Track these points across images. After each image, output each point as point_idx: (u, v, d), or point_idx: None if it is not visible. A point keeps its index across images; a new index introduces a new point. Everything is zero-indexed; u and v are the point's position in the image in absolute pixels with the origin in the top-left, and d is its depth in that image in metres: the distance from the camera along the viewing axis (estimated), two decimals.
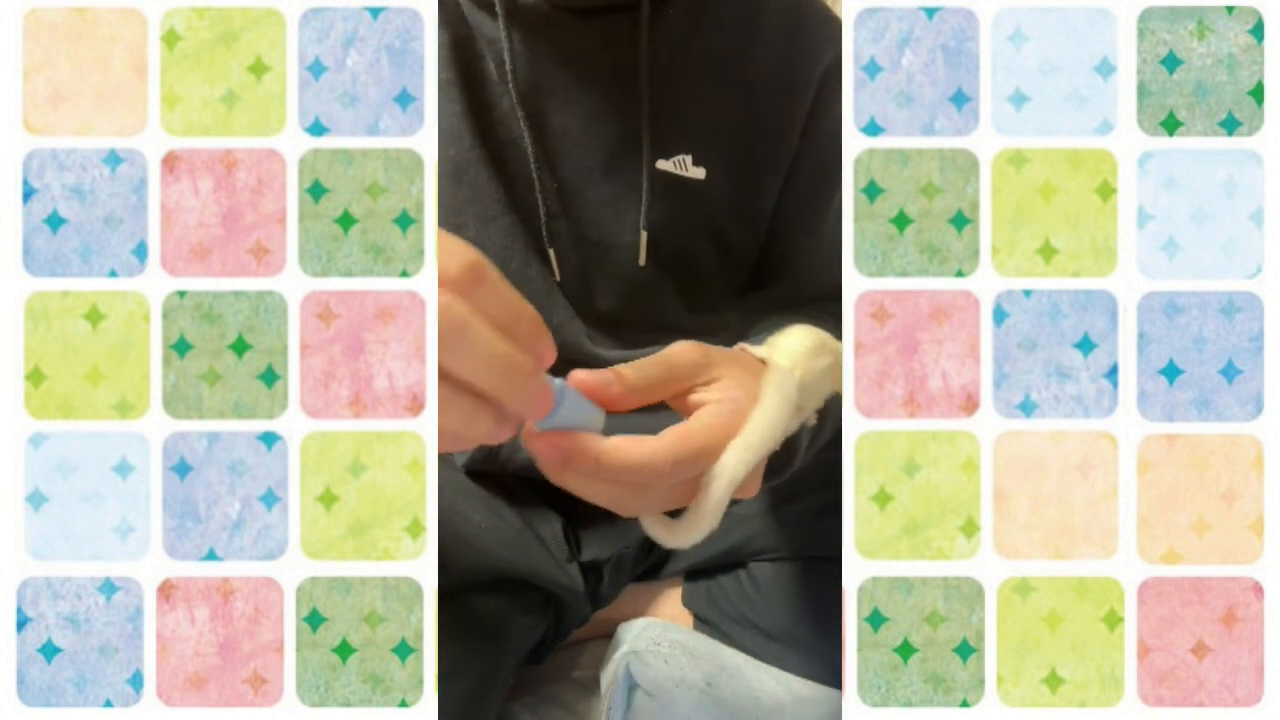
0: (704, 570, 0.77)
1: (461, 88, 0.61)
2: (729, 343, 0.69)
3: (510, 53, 0.61)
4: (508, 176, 0.63)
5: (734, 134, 0.66)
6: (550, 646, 0.73)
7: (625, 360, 0.69)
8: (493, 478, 0.69)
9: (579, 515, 0.74)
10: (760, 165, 0.68)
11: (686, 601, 0.77)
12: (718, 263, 0.70)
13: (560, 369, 0.70)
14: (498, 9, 0.60)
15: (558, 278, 0.65)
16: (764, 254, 0.71)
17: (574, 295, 0.67)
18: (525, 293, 0.66)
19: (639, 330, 0.69)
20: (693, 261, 0.68)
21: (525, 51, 0.62)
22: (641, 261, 0.66)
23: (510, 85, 0.61)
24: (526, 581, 0.68)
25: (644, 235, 0.65)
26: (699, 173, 0.65)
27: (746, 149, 0.67)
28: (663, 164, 0.65)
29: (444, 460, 0.70)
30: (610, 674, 0.68)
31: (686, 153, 0.65)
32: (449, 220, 0.63)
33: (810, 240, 0.72)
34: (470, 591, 0.63)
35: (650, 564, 0.79)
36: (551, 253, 0.64)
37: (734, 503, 0.76)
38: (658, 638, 0.71)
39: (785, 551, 0.73)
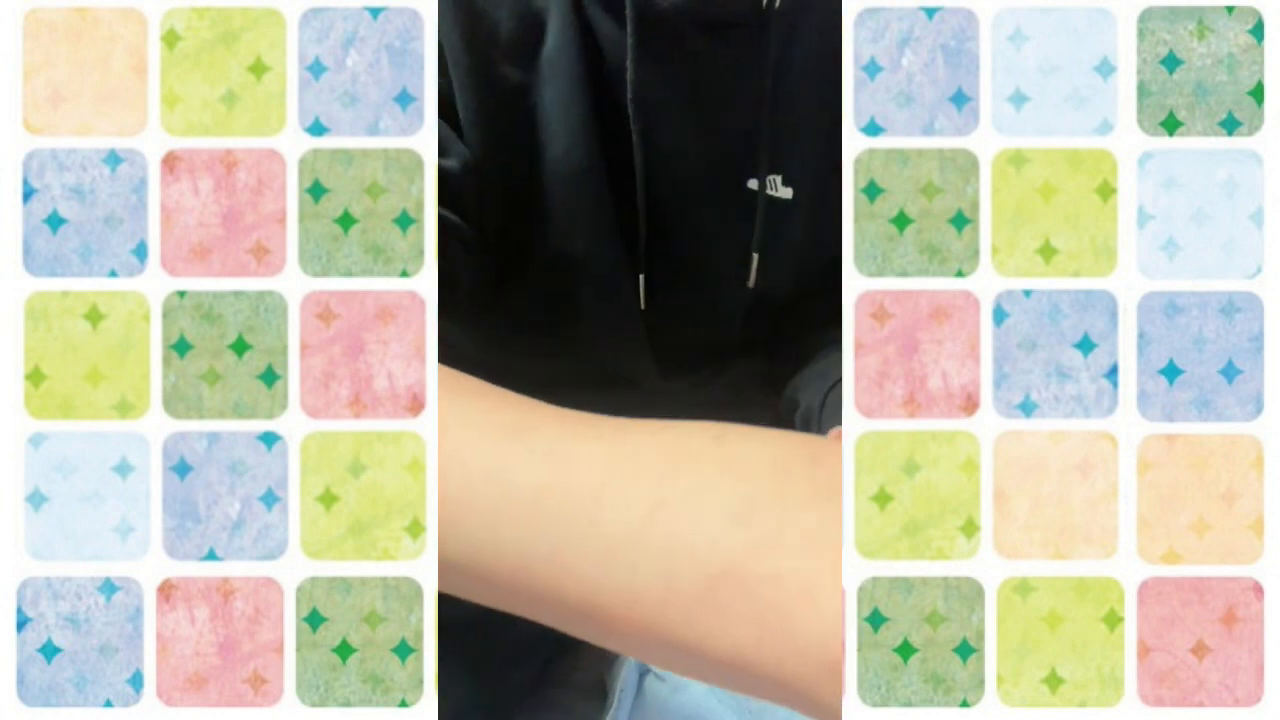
0: None
1: (586, 90, 0.58)
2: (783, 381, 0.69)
3: (633, 60, 0.56)
4: (618, 192, 0.60)
5: (824, 148, 0.63)
6: (554, 663, 0.73)
7: (691, 391, 0.69)
8: None
9: None
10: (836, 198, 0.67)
11: None
12: (790, 279, 0.67)
13: (623, 397, 0.69)
14: (628, 12, 0.56)
15: (643, 305, 0.63)
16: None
17: (659, 320, 0.64)
18: (610, 313, 0.64)
19: (711, 358, 0.68)
20: (777, 288, 0.66)
21: (646, 60, 0.57)
22: (751, 282, 0.63)
23: (629, 96, 0.57)
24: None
25: (755, 257, 0.62)
26: (786, 193, 0.63)
27: (837, 168, 0.64)
28: (751, 183, 0.62)
29: None
30: (619, 662, 0.68)
31: (777, 172, 0.62)
32: (565, 231, 0.59)
33: None
34: (476, 625, 0.62)
35: None
36: (641, 279, 0.62)
37: None
38: None
39: None
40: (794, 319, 0.70)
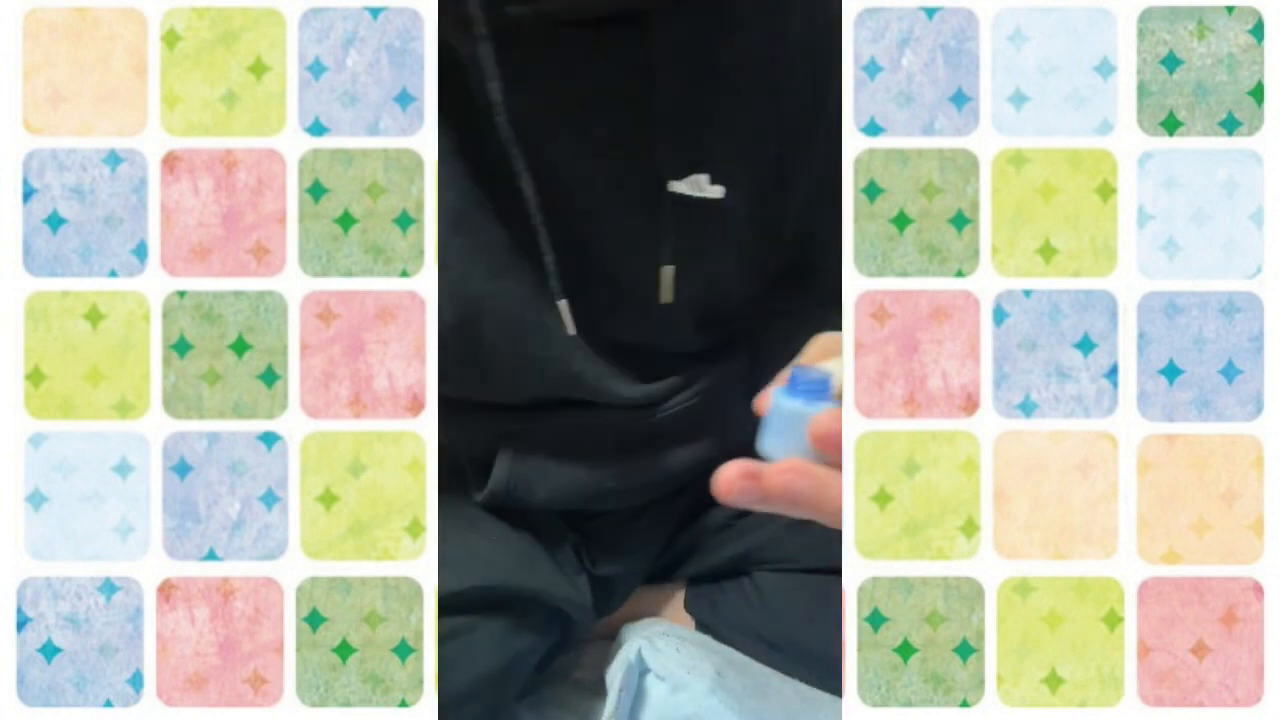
0: (708, 576, 0.77)
1: (450, 123, 0.51)
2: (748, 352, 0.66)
3: (498, 76, 0.51)
4: (516, 219, 0.55)
5: (761, 150, 0.60)
6: (554, 659, 0.73)
7: (650, 399, 0.67)
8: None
9: (587, 533, 0.73)
10: (789, 181, 0.62)
11: (689, 607, 0.77)
12: (741, 283, 0.65)
13: (605, 414, 0.65)
14: (478, 26, 0.50)
15: (571, 330, 0.59)
16: (800, 249, 0.67)
17: (595, 336, 0.62)
18: (544, 343, 0.61)
19: (664, 362, 0.66)
20: (716, 287, 0.63)
21: (514, 74, 0.52)
22: (666, 298, 0.60)
23: (500, 115, 0.52)
24: (533, 600, 0.66)
25: (669, 270, 0.59)
26: (716, 191, 0.58)
27: (774, 166, 0.61)
28: (676, 186, 0.58)
29: (458, 490, 0.69)
30: (620, 662, 0.68)
31: (702, 171, 0.58)
32: (452, 274, 0.55)
33: (831, 240, 0.67)
34: (476, 613, 0.62)
35: (657, 570, 0.78)
36: (564, 305, 0.58)
37: (740, 514, 0.75)
38: (666, 630, 0.71)
39: (791, 562, 0.73)
40: (764, 316, 0.67)
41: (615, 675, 0.67)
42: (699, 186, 0.58)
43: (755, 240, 0.62)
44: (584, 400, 0.65)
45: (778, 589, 0.73)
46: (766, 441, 0.38)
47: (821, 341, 0.42)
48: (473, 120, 0.53)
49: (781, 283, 0.68)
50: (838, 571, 0.70)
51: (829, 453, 0.36)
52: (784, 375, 0.39)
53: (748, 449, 0.38)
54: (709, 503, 0.71)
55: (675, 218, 0.58)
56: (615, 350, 0.63)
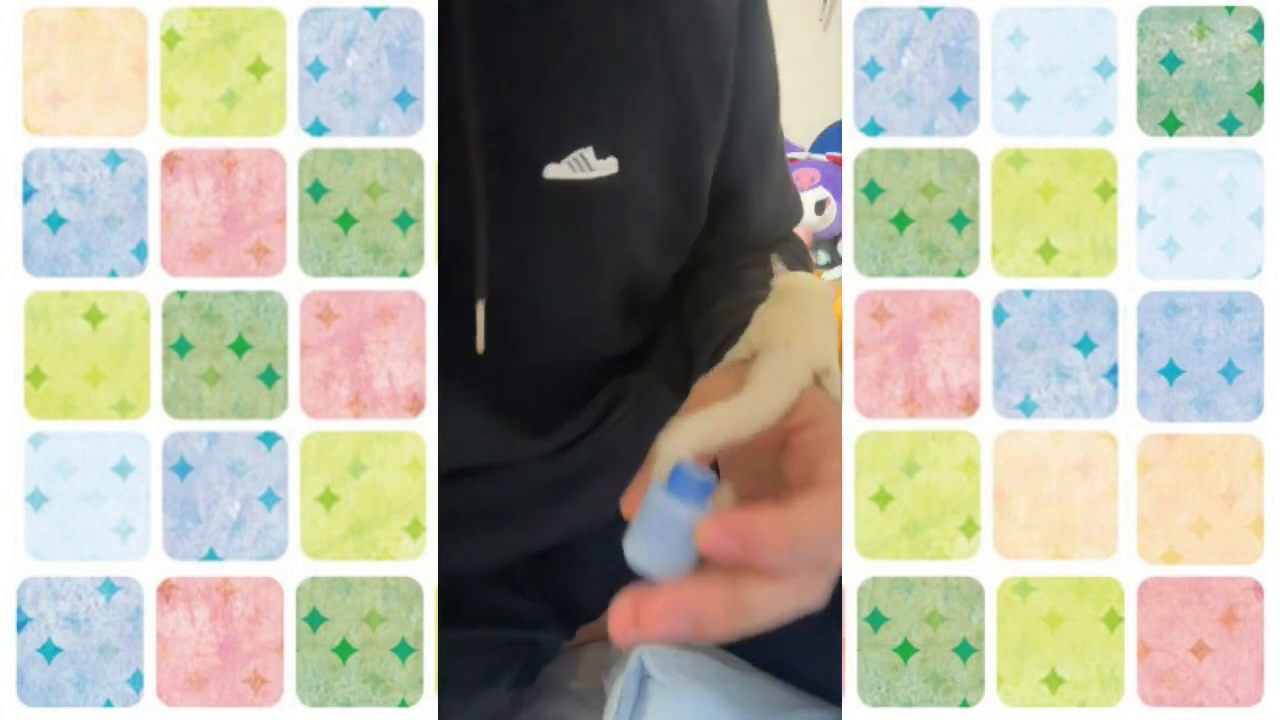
0: None
1: None
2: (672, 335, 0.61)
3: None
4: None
5: (653, 108, 0.52)
6: (529, 680, 0.71)
7: (555, 448, 0.58)
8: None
9: (548, 567, 0.69)
10: (699, 148, 0.55)
11: None
12: (660, 259, 0.58)
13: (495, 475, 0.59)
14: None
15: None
16: (711, 211, 0.60)
17: (508, 363, 0.52)
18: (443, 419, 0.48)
19: (551, 405, 0.58)
20: (636, 268, 0.56)
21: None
22: (480, 344, 0.49)
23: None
24: (493, 639, 0.64)
25: (481, 307, 0.48)
26: (609, 166, 0.50)
27: (679, 138, 0.54)
28: (553, 170, 0.49)
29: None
30: (620, 668, 0.68)
31: (585, 145, 0.49)
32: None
33: (761, 185, 0.61)
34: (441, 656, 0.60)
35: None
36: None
37: None
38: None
39: None
40: (642, 303, 0.59)
41: (615, 681, 0.66)
42: (583, 165, 0.50)
43: (672, 210, 0.55)
44: (500, 464, 0.59)
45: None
46: (641, 549, 0.33)
47: (701, 391, 0.39)
48: None
49: (705, 243, 0.61)
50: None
51: (722, 559, 0.31)
52: (650, 469, 0.34)
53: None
54: None
55: (558, 204, 0.50)
56: (533, 375, 0.57)
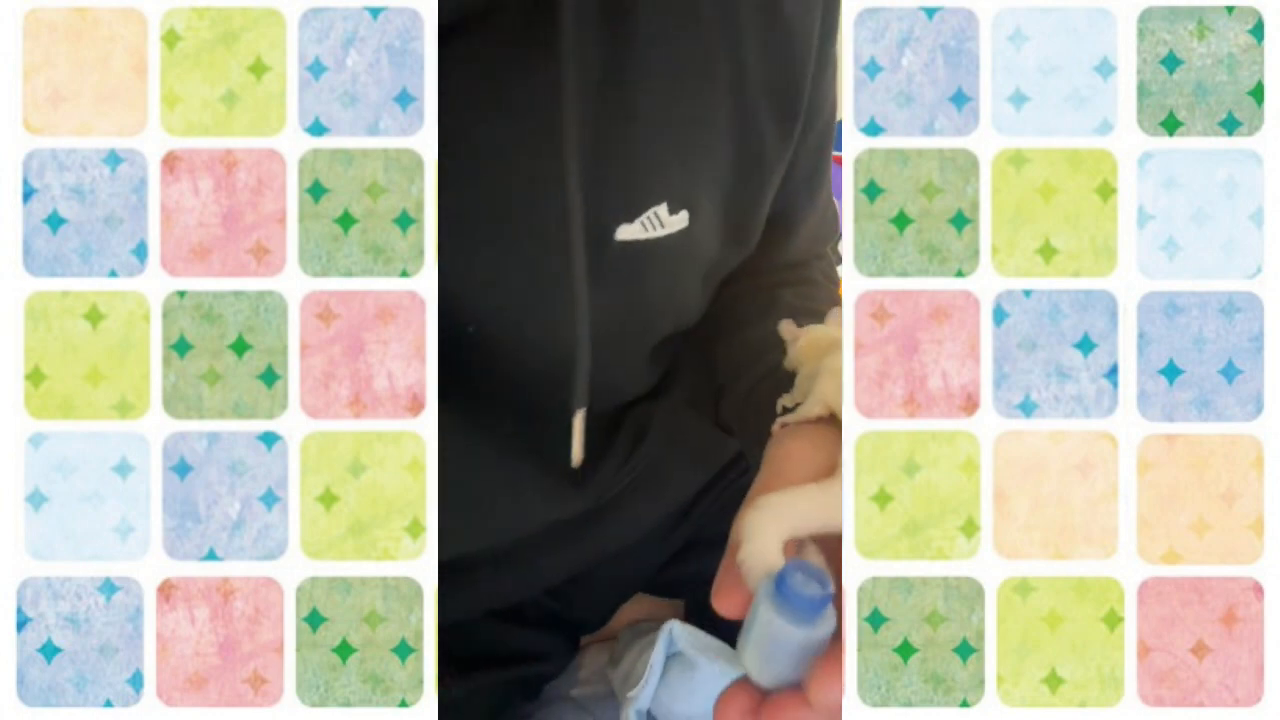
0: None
1: None
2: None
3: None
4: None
5: (721, 143, 0.50)
6: (535, 695, 0.70)
7: (598, 512, 0.57)
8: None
9: (564, 598, 0.68)
10: (760, 164, 0.53)
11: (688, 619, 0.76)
12: (704, 298, 0.56)
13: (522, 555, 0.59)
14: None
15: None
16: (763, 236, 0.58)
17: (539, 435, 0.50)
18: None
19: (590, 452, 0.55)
20: (683, 318, 0.54)
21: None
22: (575, 461, 0.46)
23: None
24: (506, 677, 0.64)
25: (580, 418, 0.45)
26: (680, 221, 0.48)
27: (744, 160, 0.52)
28: (625, 231, 0.47)
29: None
30: (645, 644, 0.66)
31: (659, 202, 0.46)
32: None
33: (809, 211, 0.60)
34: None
35: (657, 587, 0.75)
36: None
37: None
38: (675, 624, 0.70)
39: None
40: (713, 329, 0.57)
41: (640, 655, 0.65)
42: (656, 224, 0.47)
43: (725, 251, 0.54)
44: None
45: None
46: (754, 664, 0.31)
47: (780, 459, 0.37)
48: None
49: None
50: None
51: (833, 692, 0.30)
52: (736, 553, 0.32)
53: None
54: (694, 522, 0.69)
55: (624, 267, 0.47)
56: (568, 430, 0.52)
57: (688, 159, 0.47)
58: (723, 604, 0.32)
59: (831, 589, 0.31)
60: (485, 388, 0.46)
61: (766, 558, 0.32)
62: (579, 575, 0.66)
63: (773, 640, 0.31)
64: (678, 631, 0.64)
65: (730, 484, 0.69)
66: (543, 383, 0.47)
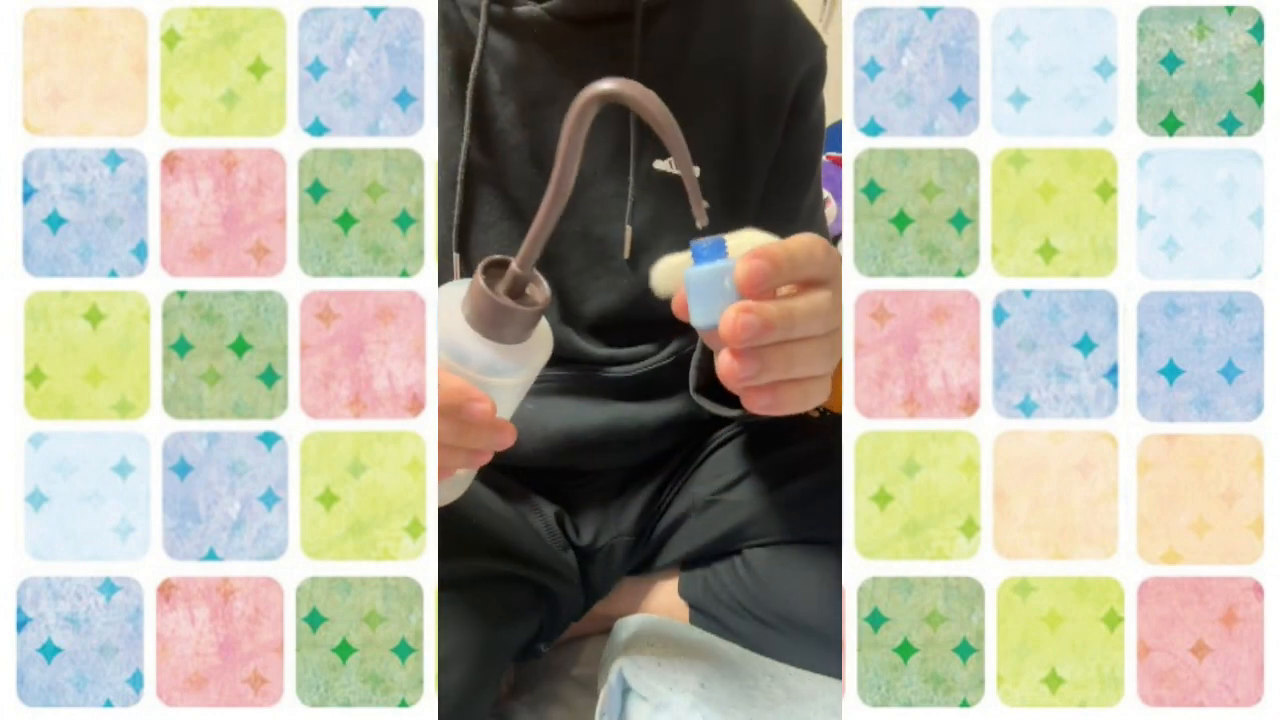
0: (699, 559, 0.77)
1: (465, 100, 0.65)
2: None
3: (514, 63, 0.64)
4: (508, 184, 0.67)
5: (723, 133, 0.71)
6: (547, 639, 0.73)
7: (614, 359, 0.74)
8: (485, 474, 0.69)
9: (571, 504, 0.76)
10: (748, 160, 0.73)
11: (683, 592, 0.78)
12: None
13: (554, 365, 0.67)
14: (482, 20, 0.64)
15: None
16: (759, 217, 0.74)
17: (572, 294, 0.70)
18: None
19: (628, 329, 0.73)
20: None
21: (528, 61, 0.65)
22: (626, 254, 0.69)
23: (511, 95, 0.64)
24: (520, 574, 0.68)
25: (629, 230, 0.69)
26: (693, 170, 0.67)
27: (734, 146, 0.71)
28: (660, 165, 0.69)
29: None
30: (604, 678, 0.68)
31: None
32: (448, 225, 0.66)
33: (789, 227, 0.71)
34: (465, 585, 0.64)
35: (645, 555, 0.79)
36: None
37: (727, 487, 0.75)
38: (651, 639, 0.71)
39: (779, 536, 0.74)
40: None
41: (602, 692, 0.67)
42: (672, 164, 0.69)
43: (720, 209, 0.70)
44: (561, 359, 0.71)
45: (767, 563, 0.74)
46: (697, 313, 0.40)
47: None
48: (486, 100, 0.65)
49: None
50: (823, 541, 0.71)
51: (753, 293, 0.39)
52: (669, 261, 0.46)
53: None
54: (688, 474, 0.78)
55: (650, 191, 0.69)
56: (590, 319, 0.71)
57: (701, 134, 0.67)
58: (680, 312, 0.42)
59: (726, 245, 0.41)
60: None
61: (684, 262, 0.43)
62: (605, 551, 0.75)
63: (701, 285, 0.40)
64: (628, 671, 0.66)
65: (722, 443, 0.80)
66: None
